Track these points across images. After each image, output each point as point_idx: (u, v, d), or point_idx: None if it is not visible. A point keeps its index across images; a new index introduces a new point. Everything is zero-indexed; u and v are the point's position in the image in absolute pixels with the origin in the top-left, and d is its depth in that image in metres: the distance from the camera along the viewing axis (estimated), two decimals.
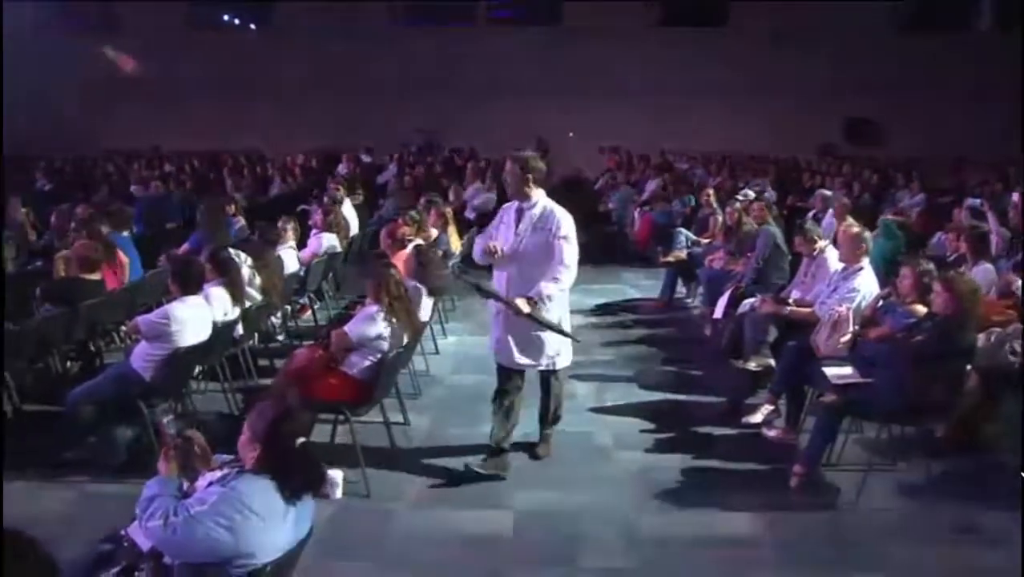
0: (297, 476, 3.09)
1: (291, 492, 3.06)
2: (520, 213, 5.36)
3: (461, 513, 4.94)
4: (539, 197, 5.35)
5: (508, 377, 5.52)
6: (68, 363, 7.08)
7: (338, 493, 5.05)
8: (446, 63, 21.51)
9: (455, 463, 5.49)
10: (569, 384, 7.16)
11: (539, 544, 4.63)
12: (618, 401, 6.81)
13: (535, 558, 4.49)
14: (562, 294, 5.43)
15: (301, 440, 3.12)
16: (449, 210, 8.50)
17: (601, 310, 9.99)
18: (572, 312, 9.57)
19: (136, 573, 3.14)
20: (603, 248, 13.06)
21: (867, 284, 6.27)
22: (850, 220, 7.96)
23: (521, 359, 5.43)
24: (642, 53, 21.29)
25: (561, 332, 5.46)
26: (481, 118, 20.39)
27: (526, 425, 5.75)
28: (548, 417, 5.74)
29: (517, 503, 5.06)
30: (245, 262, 7.20)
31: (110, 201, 11.40)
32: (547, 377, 5.63)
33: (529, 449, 5.72)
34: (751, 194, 10.69)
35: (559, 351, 5.52)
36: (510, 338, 5.40)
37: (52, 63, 20.87)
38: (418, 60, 21.63)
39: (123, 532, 3.25)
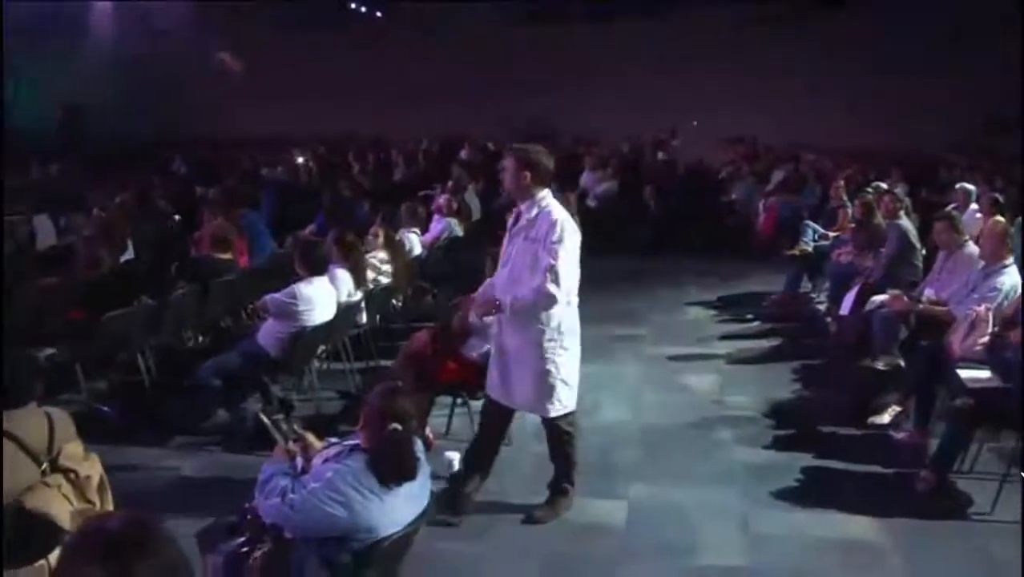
0: (390, 462, 3.12)
1: (383, 477, 3.08)
2: (517, 219, 4.58)
3: (574, 501, 4.91)
4: (541, 198, 4.47)
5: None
6: (200, 338, 7.37)
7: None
8: (570, 52, 21.40)
9: None
10: (687, 377, 7.09)
11: (653, 537, 4.56)
12: (738, 396, 6.66)
13: (649, 551, 4.43)
14: (539, 317, 4.44)
15: (395, 426, 3.13)
16: (573, 196, 8.49)
17: (723, 303, 9.80)
18: (693, 304, 9.67)
19: (259, 545, 3.23)
20: (726, 240, 12.82)
21: (1011, 283, 5.94)
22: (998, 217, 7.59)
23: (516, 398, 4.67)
24: (769, 41, 20.71)
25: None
26: (605, 107, 20.22)
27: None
28: (558, 475, 4.82)
29: (632, 494, 5.01)
30: (375, 246, 7.35)
31: (242, 184, 11.80)
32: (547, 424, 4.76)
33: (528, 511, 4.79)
34: (882, 186, 10.26)
35: (554, 394, 4.56)
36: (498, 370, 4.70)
37: (187, 56, 21.80)
38: (542, 48, 21.59)
39: (247, 505, 3.35)
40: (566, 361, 4.55)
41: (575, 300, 4.56)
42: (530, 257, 4.40)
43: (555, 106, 20.51)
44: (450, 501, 4.67)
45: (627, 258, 11.39)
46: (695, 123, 20.57)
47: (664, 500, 4.95)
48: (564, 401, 4.59)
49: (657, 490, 5.07)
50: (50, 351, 5.75)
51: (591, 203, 12.46)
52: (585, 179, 13.80)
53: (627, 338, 7.87)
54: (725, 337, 8.32)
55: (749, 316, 9.21)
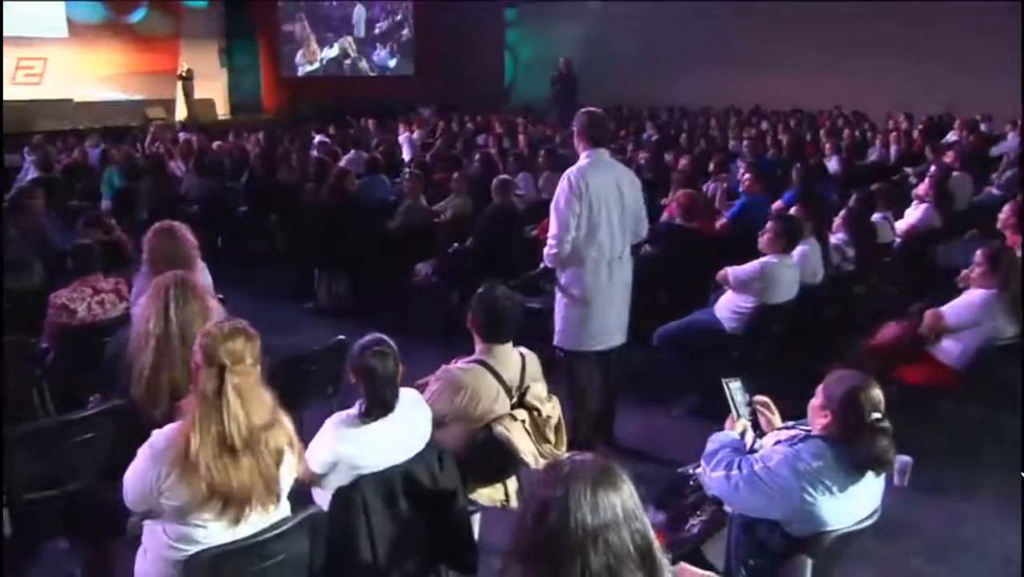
0: (864, 451, 2.94)
1: (854, 466, 2.94)
2: None
3: None
4: (583, 156, 4.90)
5: None
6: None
7: (904, 480, 4.75)
8: None
9: None
10: None
11: None
12: None
13: None
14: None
15: (876, 416, 2.94)
16: None
17: None
18: None
19: (699, 512, 3.32)
20: None
21: None
22: None
23: None
24: None
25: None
26: None
27: None
28: None
29: None
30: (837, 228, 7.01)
31: (708, 154, 11.87)
32: None
33: None
34: None
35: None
36: None
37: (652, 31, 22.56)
38: None
39: (691, 471, 3.41)
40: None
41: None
42: None
43: None
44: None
45: None
46: None
47: None
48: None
49: None
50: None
51: None
52: None
53: None
54: None
55: None
